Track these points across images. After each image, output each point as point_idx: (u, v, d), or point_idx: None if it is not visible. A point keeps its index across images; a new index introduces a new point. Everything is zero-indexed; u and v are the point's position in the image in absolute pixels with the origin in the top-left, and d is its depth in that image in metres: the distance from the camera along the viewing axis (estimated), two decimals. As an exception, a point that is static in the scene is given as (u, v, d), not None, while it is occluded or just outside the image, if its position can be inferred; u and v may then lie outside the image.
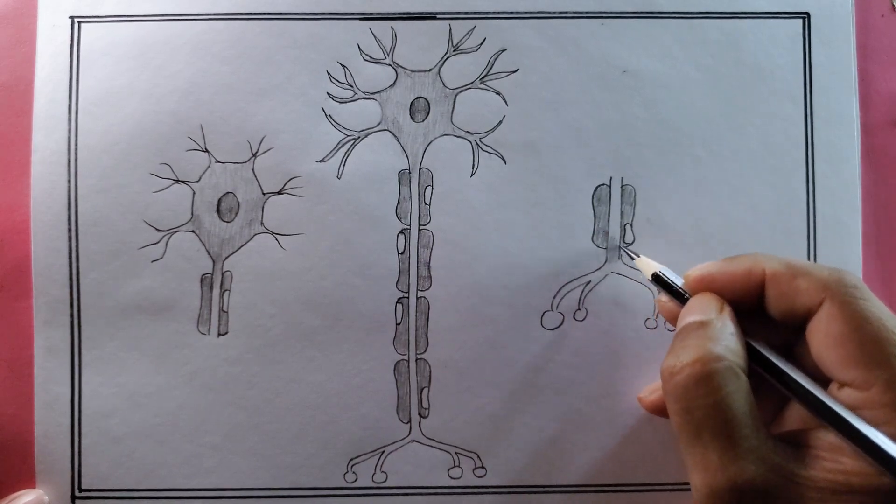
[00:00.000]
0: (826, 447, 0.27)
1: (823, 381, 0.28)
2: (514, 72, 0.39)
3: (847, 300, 0.27)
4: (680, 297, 0.32)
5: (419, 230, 0.38)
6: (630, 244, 0.38)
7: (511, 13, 0.39)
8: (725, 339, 0.28)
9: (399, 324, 0.38)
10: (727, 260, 0.31)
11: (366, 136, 0.38)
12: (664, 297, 0.33)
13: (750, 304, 0.30)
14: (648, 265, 0.34)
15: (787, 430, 0.29)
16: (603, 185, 0.38)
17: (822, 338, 0.28)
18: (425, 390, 0.38)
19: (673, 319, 0.33)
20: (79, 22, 0.38)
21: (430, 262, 0.38)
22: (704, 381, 0.27)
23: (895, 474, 0.25)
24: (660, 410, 0.35)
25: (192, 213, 0.38)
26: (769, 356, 0.29)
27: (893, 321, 0.27)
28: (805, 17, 0.39)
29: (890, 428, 0.25)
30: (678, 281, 0.33)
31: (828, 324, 0.27)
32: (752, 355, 0.29)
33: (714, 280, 0.31)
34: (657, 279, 0.34)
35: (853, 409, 0.26)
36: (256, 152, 0.38)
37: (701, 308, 0.30)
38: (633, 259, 0.36)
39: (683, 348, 0.28)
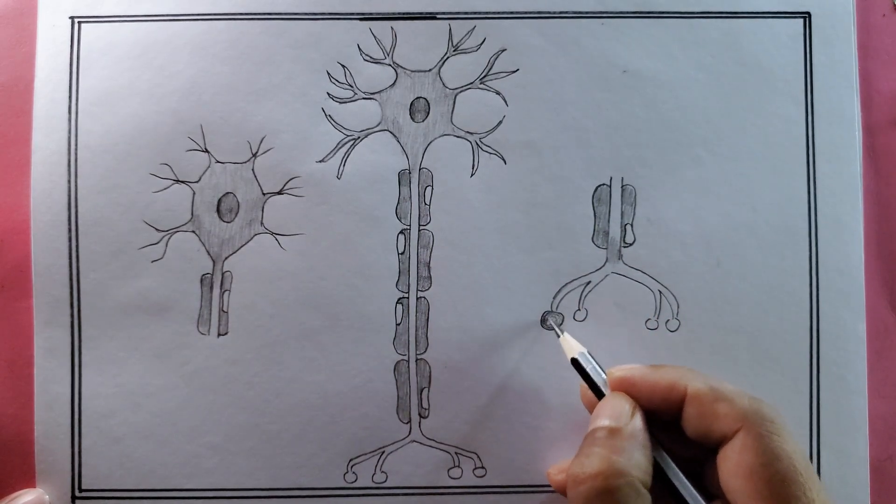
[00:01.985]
0: None
1: None
2: (514, 72, 0.38)
3: (762, 434, 0.28)
4: (595, 387, 0.32)
5: (419, 230, 0.38)
6: (630, 244, 0.38)
7: (511, 13, 0.39)
8: (632, 452, 0.28)
9: (399, 324, 0.38)
10: (653, 368, 0.31)
11: (366, 136, 0.38)
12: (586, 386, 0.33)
13: (666, 416, 0.31)
14: (570, 346, 0.34)
15: None
16: (603, 185, 0.38)
17: (733, 467, 0.28)
18: (425, 390, 0.38)
19: (591, 407, 0.33)
20: (79, 22, 0.38)
21: (430, 262, 0.38)
22: (605, 497, 0.27)
23: None
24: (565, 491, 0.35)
25: (192, 214, 0.38)
26: (672, 479, 0.29)
27: (804, 461, 0.27)
28: (806, 16, 0.39)
29: None
30: (598, 369, 0.33)
31: (740, 454, 0.28)
32: (657, 470, 0.29)
33: (634, 385, 0.31)
34: (576, 365, 0.34)
35: None
36: (256, 152, 0.38)
37: (613, 412, 0.30)
38: (558, 337, 0.36)
39: (589, 456, 0.28)
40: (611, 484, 0.27)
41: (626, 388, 0.31)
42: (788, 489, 0.27)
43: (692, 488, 0.29)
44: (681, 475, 0.29)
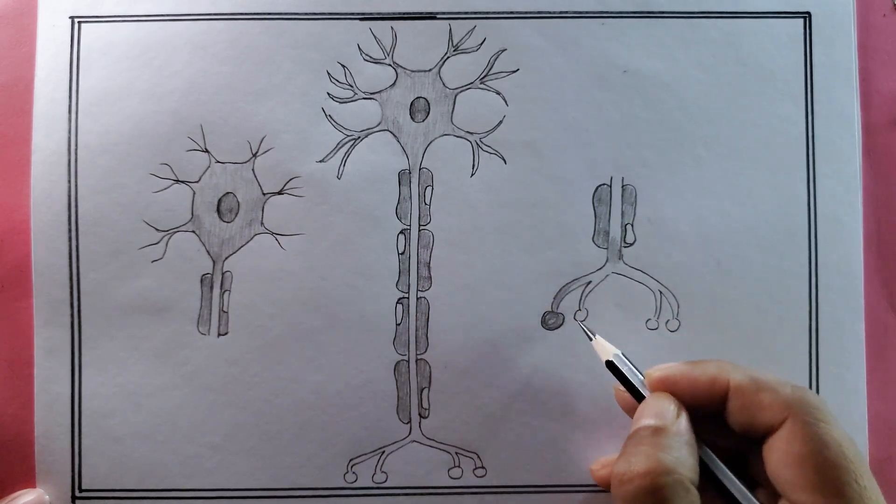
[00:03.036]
0: None
1: (774, 496, 0.28)
2: (514, 72, 0.38)
3: (809, 422, 0.28)
4: (633, 389, 0.32)
5: (419, 230, 0.38)
6: (631, 244, 0.38)
7: (511, 13, 0.39)
8: (678, 449, 0.28)
9: (399, 324, 0.38)
10: (691, 364, 0.31)
11: (366, 136, 0.38)
12: (621, 388, 0.33)
13: (709, 411, 0.30)
14: (604, 349, 0.34)
15: None
16: (603, 184, 0.38)
17: (781, 456, 0.28)
18: (425, 390, 0.38)
19: (628, 408, 0.33)
20: (79, 22, 0.38)
21: (430, 263, 0.38)
22: (653, 495, 0.27)
23: None
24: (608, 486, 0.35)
25: (192, 214, 0.38)
26: (720, 476, 0.29)
27: (852, 448, 0.27)
28: (806, 16, 0.39)
29: None
30: (634, 370, 0.32)
31: (788, 443, 0.28)
32: (703, 467, 0.29)
33: (676, 383, 0.31)
34: (611, 367, 0.33)
35: None
36: (256, 152, 0.38)
37: (657, 412, 0.30)
38: (590, 339, 0.35)
39: (636, 454, 0.28)
40: (659, 482, 0.27)
41: (667, 387, 0.31)
42: (839, 476, 0.26)
43: (741, 485, 0.28)
44: (727, 472, 0.29)
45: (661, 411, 0.30)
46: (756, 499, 0.28)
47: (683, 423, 0.29)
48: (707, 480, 0.29)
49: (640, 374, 0.32)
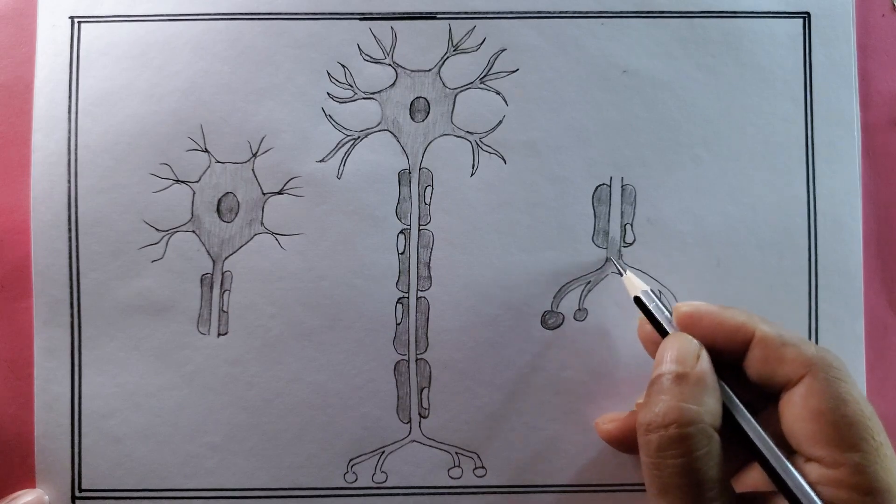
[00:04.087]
0: None
1: (787, 451, 0.29)
2: (514, 72, 0.38)
3: (829, 379, 0.28)
4: (658, 325, 0.32)
5: (419, 230, 0.38)
6: (630, 244, 0.38)
7: (511, 13, 0.39)
8: (701, 397, 0.28)
9: (399, 324, 0.38)
10: (721, 307, 0.31)
11: (366, 136, 0.38)
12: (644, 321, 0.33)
13: (728, 358, 0.30)
14: (633, 284, 0.34)
15: (750, 491, 0.30)
16: (603, 184, 0.38)
17: (798, 411, 0.28)
18: (425, 390, 0.38)
19: (648, 343, 0.33)
20: (78, 22, 0.38)
21: (430, 262, 0.38)
22: (677, 443, 0.27)
23: None
24: (614, 441, 0.35)
25: (192, 213, 0.38)
26: (742, 423, 0.29)
27: (869, 407, 0.28)
28: (805, 16, 0.39)
29: None
30: (661, 306, 0.33)
31: (806, 398, 0.28)
32: (724, 413, 0.29)
33: (701, 320, 0.31)
34: (639, 303, 0.33)
35: (815, 484, 0.27)
36: (256, 152, 0.38)
37: (679, 356, 0.30)
38: (621, 275, 0.35)
39: (659, 403, 0.28)
40: (683, 432, 0.27)
41: (692, 324, 0.31)
42: (857, 432, 0.27)
43: (761, 430, 0.29)
44: (749, 417, 0.29)
45: (683, 355, 0.30)
46: (779, 449, 0.28)
47: (705, 366, 0.29)
48: (727, 422, 0.29)
49: (669, 312, 0.32)
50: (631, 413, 0.35)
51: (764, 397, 0.30)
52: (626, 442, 0.34)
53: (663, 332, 0.32)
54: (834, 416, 0.27)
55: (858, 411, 0.27)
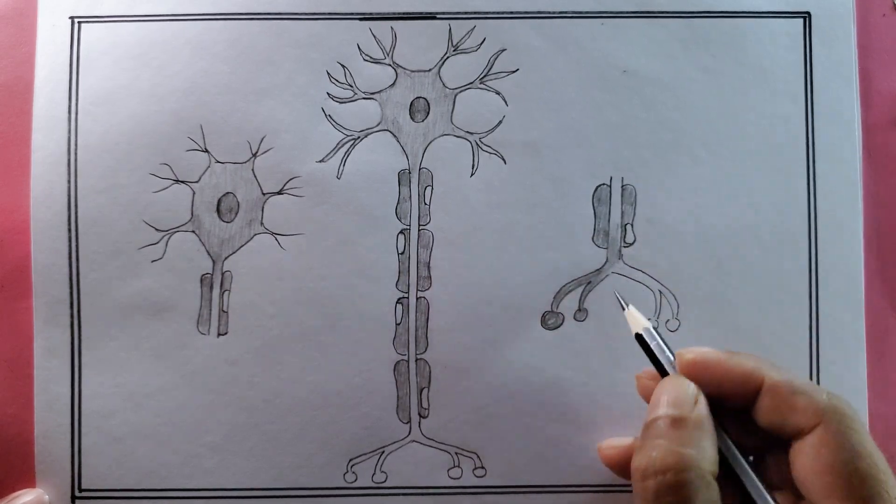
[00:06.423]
0: None
1: (796, 498, 0.28)
2: (514, 72, 0.38)
3: (843, 430, 0.27)
4: (660, 367, 0.31)
5: (419, 230, 0.38)
6: (630, 244, 0.38)
7: (511, 13, 0.39)
8: (699, 442, 0.27)
9: (399, 324, 0.38)
10: (728, 354, 0.30)
11: (366, 136, 0.38)
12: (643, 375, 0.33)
13: (734, 404, 0.30)
14: (636, 321, 0.33)
15: None
16: (603, 185, 0.38)
17: (810, 462, 0.27)
18: (425, 390, 0.38)
19: (644, 390, 0.32)
20: (79, 22, 0.38)
21: (430, 262, 0.38)
22: (675, 490, 0.26)
23: None
24: (616, 467, 0.35)
25: (192, 213, 0.38)
26: (739, 473, 0.28)
27: (883, 461, 0.27)
28: (806, 16, 0.39)
29: None
30: (663, 346, 0.31)
31: (819, 449, 0.27)
32: (722, 458, 0.28)
33: (707, 369, 0.30)
34: (640, 341, 0.32)
35: None
36: (256, 152, 0.38)
37: (676, 399, 0.29)
38: (623, 309, 0.33)
39: (655, 448, 0.27)
40: (681, 478, 0.26)
41: (697, 372, 0.30)
42: (871, 487, 0.26)
43: (758, 481, 0.28)
44: (746, 466, 0.28)
45: (681, 399, 0.29)
46: (776, 501, 0.28)
47: (703, 411, 0.28)
48: (723, 469, 0.28)
49: (671, 352, 0.31)
50: (635, 439, 0.34)
51: (772, 441, 0.30)
52: (628, 469, 0.34)
53: (663, 372, 0.31)
54: (847, 469, 0.26)
55: (872, 465, 0.26)
